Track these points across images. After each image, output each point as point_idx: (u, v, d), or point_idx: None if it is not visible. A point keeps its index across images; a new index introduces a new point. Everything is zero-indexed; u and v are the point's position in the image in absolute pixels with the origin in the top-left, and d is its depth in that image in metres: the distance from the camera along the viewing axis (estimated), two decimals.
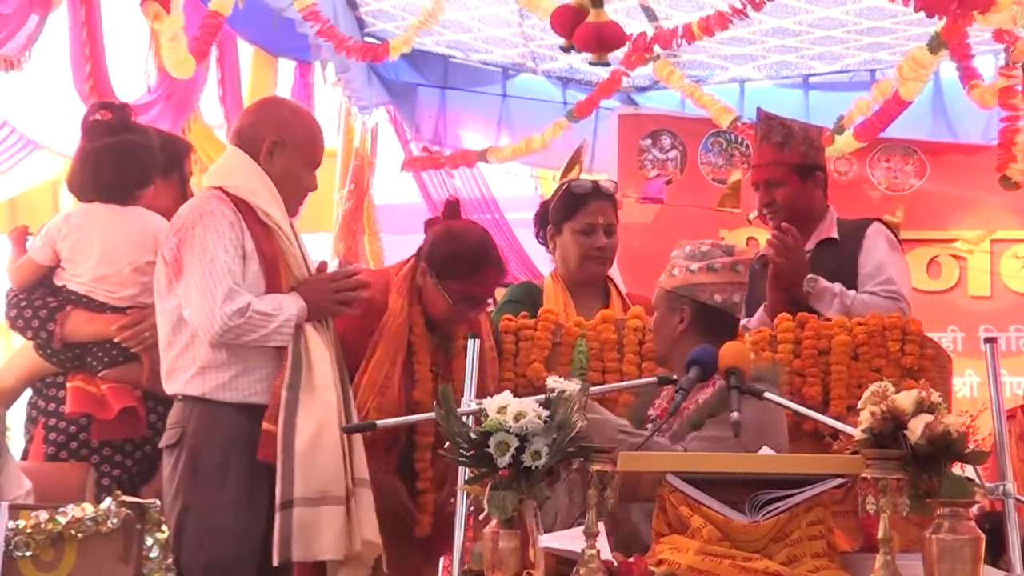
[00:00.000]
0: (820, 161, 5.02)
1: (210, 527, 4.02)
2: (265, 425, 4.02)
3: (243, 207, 4.11)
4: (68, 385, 4.50)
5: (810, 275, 4.67)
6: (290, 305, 4.06)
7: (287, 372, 4.04)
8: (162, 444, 4.14)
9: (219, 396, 4.06)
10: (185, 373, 4.08)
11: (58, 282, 4.57)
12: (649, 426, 3.98)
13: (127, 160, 4.61)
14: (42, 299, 4.55)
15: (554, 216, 4.91)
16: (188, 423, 4.07)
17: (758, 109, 5.21)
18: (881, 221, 5.02)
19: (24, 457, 4.54)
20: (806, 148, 4.91)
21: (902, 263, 4.95)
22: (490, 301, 4.67)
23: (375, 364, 4.37)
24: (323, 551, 4.01)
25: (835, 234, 4.89)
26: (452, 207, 4.65)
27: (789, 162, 4.87)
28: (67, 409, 4.45)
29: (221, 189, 4.15)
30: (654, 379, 3.89)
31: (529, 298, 4.84)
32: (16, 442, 4.61)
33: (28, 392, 4.66)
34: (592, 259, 4.85)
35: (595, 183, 4.97)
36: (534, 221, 5.12)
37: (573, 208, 4.85)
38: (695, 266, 3.99)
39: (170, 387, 4.13)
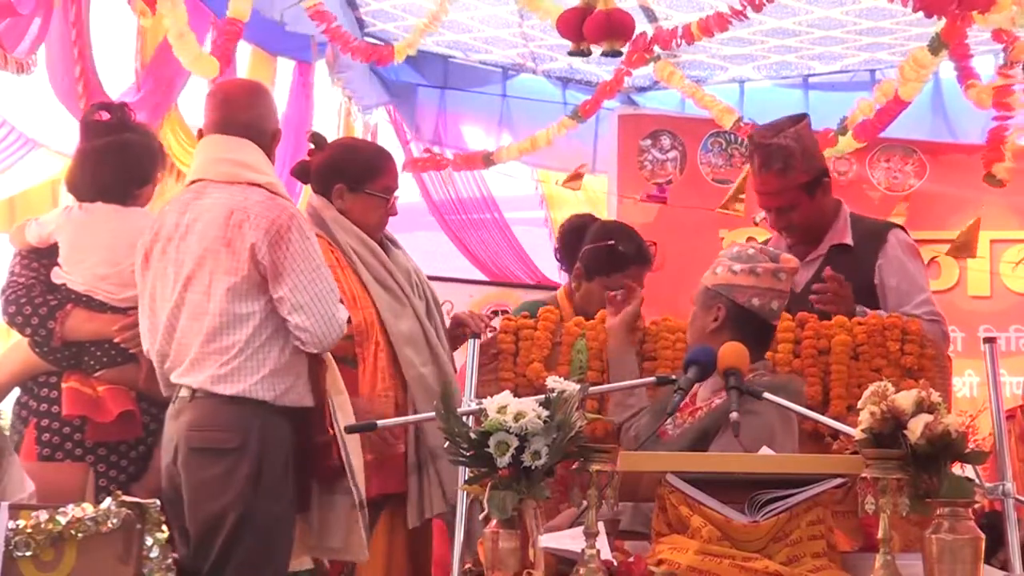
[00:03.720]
0: (822, 164, 4.89)
1: (273, 539, 4.01)
2: (320, 436, 4.08)
3: None
4: (63, 386, 4.47)
5: (859, 307, 4.56)
6: None
7: (330, 377, 4.10)
8: (201, 444, 4.02)
9: (284, 401, 4.06)
10: (252, 375, 4.01)
11: (56, 280, 4.55)
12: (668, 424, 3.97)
13: (127, 159, 4.59)
14: (42, 296, 4.53)
15: (589, 262, 4.94)
16: (250, 429, 3.99)
17: (749, 137, 5.04)
18: (896, 225, 4.89)
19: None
20: (807, 163, 4.74)
21: (923, 269, 4.87)
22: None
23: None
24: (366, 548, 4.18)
25: (849, 239, 4.79)
26: (318, 138, 4.83)
27: (795, 184, 4.73)
28: (64, 411, 4.43)
29: (265, 188, 4.12)
30: (653, 379, 3.90)
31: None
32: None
33: (15, 391, 4.66)
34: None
35: (640, 247, 4.98)
36: (560, 236, 5.21)
37: (613, 267, 4.88)
38: (738, 267, 3.99)
39: (225, 387, 4.02)
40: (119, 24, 6.84)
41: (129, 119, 4.73)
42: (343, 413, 4.08)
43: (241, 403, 4.01)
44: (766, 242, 5.13)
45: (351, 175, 4.61)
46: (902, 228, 4.90)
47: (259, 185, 4.11)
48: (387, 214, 4.67)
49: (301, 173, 4.84)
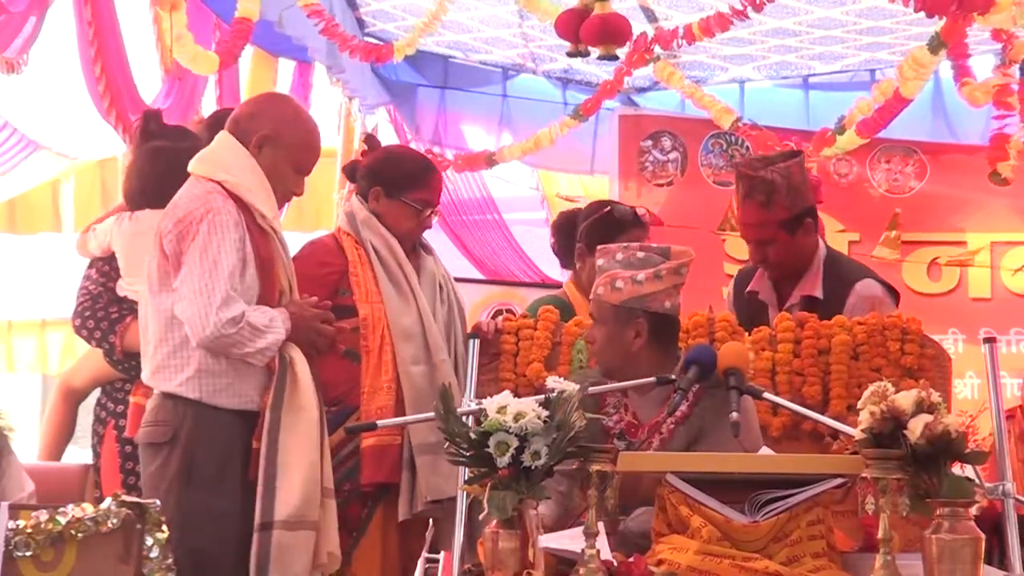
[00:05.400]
0: (808, 203, 4.75)
1: (205, 533, 3.96)
2: (255, 444, 3.99)
3: (242, 206, 4.04)
4: (130, 400, 4.55)
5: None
6: (279, 326, 4.00)
7: (272, 391, 3.98)
8: (143, 439, 4.05)
9: (217, 401, 4.00)
10: (178, 373, 3.99)
11: (120, 292, 4.62)
12: (616, 441, 3.90)
13: (166, 166, 4.59)
14: (104, 309, 4.62)
15: (590, 234, 4.95)
16: (181, 424, 3.99)
17: (736, 166, 4.95)
18: (867, 275, 4.75)
19: (97, 458, 4.66)
20: (791, 199, 4.64)
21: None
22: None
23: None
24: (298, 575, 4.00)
25: (819, 291, 4.69)
26: (371, 140, 5.03)
27: (776, 220, 4.65)
28: (127, 431, 4.48)
29: (220, 184, 4.06)
30: (653, 379, 3.89)
31: (561, 307, 4.82)
32: (84, 441, 4.65)
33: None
34: None
35: (634, 211, 5.03)
36: (553, 231, 5.23)
37: (612, 233, 4.85)
38: (641, 276, 3.94)
39: (158, 383, 4.04)
40: (139, 29, 6.82)
41: (161, 125, 4.83)
42: (294, 431, 3.96)
43: (173, 399, 4.02)
44: (745, 262, 5.09)
45: (389, 181, 4.69)
46: (874, 277, 4.76)
47: (216, 181, 4.07)
48: (420, 226, 4.73)
49: (350, 172, 4.93)
